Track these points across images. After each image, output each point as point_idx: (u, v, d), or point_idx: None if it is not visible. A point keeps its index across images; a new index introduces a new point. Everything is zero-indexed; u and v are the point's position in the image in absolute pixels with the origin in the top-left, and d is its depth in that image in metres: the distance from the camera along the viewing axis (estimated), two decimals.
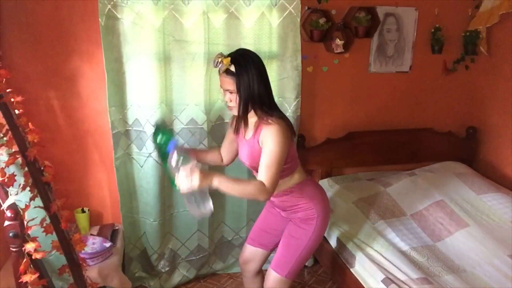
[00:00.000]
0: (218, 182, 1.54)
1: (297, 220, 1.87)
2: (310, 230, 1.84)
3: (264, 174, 1.62)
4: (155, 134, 1.71)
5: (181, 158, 1.54)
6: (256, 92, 1.64)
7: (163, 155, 1.64)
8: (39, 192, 1.58)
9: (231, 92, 1.66)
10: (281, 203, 1.88)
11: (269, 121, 1.67)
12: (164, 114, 2.32)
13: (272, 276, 1.89)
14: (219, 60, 1.61)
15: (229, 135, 1.95)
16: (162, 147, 1.65)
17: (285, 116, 1.75)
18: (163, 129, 1.74)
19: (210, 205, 1.57)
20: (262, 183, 1.61)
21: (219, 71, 1.65)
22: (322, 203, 1.87)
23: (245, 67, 1.61)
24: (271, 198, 1.89)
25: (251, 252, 2.06)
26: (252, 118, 1.74)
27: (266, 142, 1.65)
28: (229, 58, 1.61)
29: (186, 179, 1.47)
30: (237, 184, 1.61)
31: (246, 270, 2.11)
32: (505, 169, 2.83)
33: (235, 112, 1.71)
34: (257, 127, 1.71)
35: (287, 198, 1.85)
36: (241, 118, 1.75)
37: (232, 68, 1.60)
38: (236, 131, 1.85)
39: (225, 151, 1.99)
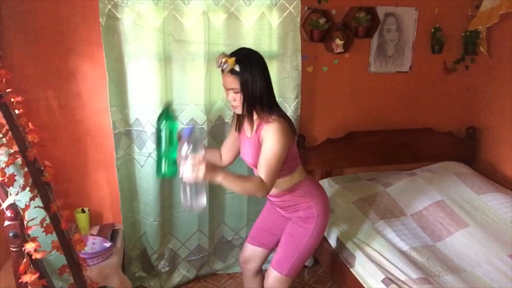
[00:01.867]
0: (222, 177, 1.55)
1: (297, 219, 1.87)
2: (310, 229, 1.84)
3: (263, 171, 1.64)
4: (159, 118, 1.69)
5: (191, 147, 1.53)
6: (258, 91, 1.66)
7: (159, 139, 1.65)
8: (39, 192, 1.58)
9: (235, 92, 1.66)
10: (282, 202, 1.88)
11: (270, 119, 1.68)
12: None
13: (273, 275, 1.89)
14: (223, 60, 1.62)
15: (232, 134, 1.95)
16: (164, 132, 1.64)
17: (285, 114, 1.77)
18: (169, 115, 1.68)
19: (203, 201, 1.58)
20: (261, 179, 1.63)
21: (222, 70, 1.65)
22: (322, 202, 1.88)
23: (249, 67, 1.64)
24: (272, 198, 1.89)
25: (251, 251, 2.07)
26: (254, 116, 1.75)
27: (266, 139, 1.67)
28: (233, 58, 1.61)
29: (192, 169, 1.47)
30: (238, 180, 1.63)
31: (246, 269, 2.11)
32: (505, 169, 2.83)
33: (238, 111, 1.73)
34: (258, 125, 1.73)
35: (288, 198, 1.85)
36: (245, 117, 1.77)
37: (237, 68, 1.61)
38: (238, 129, 1.86)
39: (226, 151, 1.98)
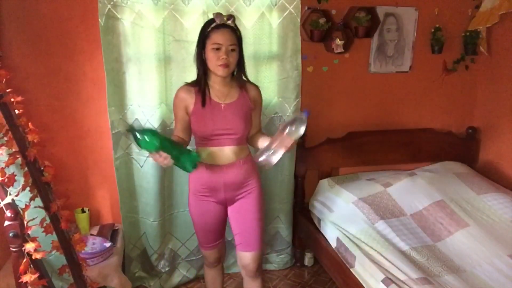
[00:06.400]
0: None
1: (243, 193, 1.88)
2: (256, 194, 1.89)
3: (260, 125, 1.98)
4: (144, 145, 1.51)
5: (294, 127, 1.63)
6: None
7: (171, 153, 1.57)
8: (39, 192, 1.58)
9: (233, 49, 1.74)
10: (242, 173, 1.85)
11: (249, 80, 1.88)
12: (164, 114, 2.32)
13: (249, 257, 1.89)
14: (228, 15, 1.74)
15: (181, 115, 1.82)
16: (164, 149, 1.55)
17: None
18: (147, 134, 1.50)
19: (276, 161, 1.67)
20: None
21: (221, 25, 1.72)
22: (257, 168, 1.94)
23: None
24: (233, 170, 1.84)
25: (216, 253, 2.06)
26: (234, 79, 1.86)
27: (258, 99, 1.90)
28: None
29: (291, 142, 1.63)
30: None
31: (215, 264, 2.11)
32: (505, 169, 2.83)
33: (228, 72, 1.76)
34: (241, 87, 1.85)
35: (248, 166, 1.87)
36: (223, 82, 1.81)
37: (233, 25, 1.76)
38: (203, 102, 1.78)
39: (185, 132, 1.87)
